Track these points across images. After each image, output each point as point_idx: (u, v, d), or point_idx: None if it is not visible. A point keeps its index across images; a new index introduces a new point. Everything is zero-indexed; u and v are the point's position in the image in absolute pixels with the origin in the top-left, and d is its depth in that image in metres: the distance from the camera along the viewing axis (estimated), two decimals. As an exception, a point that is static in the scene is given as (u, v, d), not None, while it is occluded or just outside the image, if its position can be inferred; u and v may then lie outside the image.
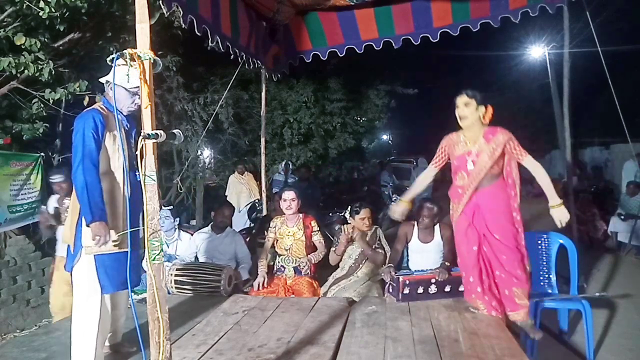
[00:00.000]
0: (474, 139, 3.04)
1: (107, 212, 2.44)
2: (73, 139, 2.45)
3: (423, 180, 3.40)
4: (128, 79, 2.44)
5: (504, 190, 3.06)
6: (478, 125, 3.03)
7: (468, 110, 2.99)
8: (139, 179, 2.51)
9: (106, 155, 2.49)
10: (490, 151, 2.97)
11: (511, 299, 2.98)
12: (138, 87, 2.43)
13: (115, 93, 2.49)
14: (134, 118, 2.70)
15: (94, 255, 2.45)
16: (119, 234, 2.46)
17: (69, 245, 2.56)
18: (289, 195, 4.08)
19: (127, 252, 2.46)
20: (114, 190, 2.50)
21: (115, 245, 2.45)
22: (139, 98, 2.52)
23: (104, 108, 2.57)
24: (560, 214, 3.00)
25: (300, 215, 4.11)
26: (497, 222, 3.01)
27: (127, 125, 2.60)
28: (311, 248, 4.05)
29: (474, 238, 3.05)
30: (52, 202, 4.10)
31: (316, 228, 4.10)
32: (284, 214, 4.09)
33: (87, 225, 2.35)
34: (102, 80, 2.59)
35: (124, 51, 1.90)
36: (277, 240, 4.08)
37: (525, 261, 3.06)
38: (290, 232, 4.03)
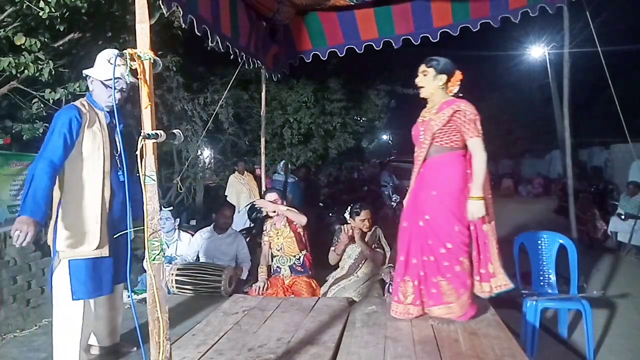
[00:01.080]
0: (429, 108, 2.92)
1: (76, 214, 2.38)
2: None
3: None
4: (104, 72, 2.40)
5: (455, 165, 2.80)
6: (439, 94, 2.87)
7: (425, 79, 2.86)
8: (122, 180, 2.45)
9: (83, 153, 2.42)
10: (437, 120, 2.80)
11: (437, 289, 2.83)
12: (114, 79, 2.39)
13: (94, 87, 2.47)
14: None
15: (68, 259, 2.39)
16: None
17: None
18: (271, 196, 4.11)
19: (105, 258, 2.43)
20: (92, 190, 2.41)
21: (94, 250, 2.39)
22: (117, 92, 2.48)
23: (86, 104, 2.49)
24: (473, 209, 2.74)
25: (282, 215, 4.09)
26: (429, 200, 2.82)
27: (114, 122, 2.50)
28: (303, 244, 4.04)
29: (412, 213, 2.89)
30: None
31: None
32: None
33: (18, 216, 2.27)
34: (86, 72, 2.56)
35: (124, 51, 1.89)
36: (271, 242, 4.08)
37: (466, 253, 2.79)
38: (279, 232, 4.02)
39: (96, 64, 2.52)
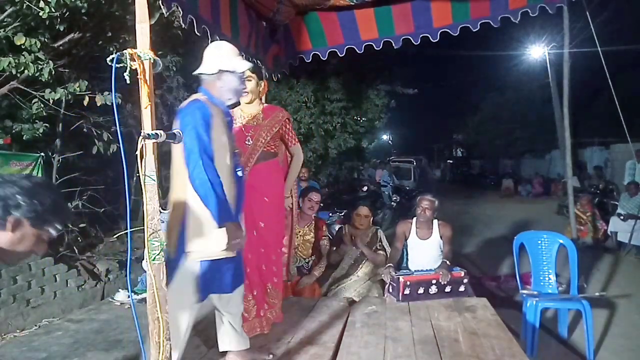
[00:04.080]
0: (253, 114, 2.92)
1: (206, 213, 2.19)
2: (182, 132, 2.19)
3: None
4: (241, 64, 2.33)
5: (279, 170, 2.98)
6: (258, 101, 2.93)
7: (251, 84, 2.82)
8: (241, 176, 2.40)
9: (215, 151, 2.25)
10: (268, 127, 2.87)
11: (266, 296, 2.85)
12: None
13: (226, 81, 2.33)
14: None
15: (200, 261, 2.23)
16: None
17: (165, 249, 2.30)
18: (315, 197, 4.09)
19: (230, 257, 2.28)
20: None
21: (223, 250, 2.23)
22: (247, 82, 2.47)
23: (207, 99, 2.33)
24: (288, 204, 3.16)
25: (312, 216, 4.10)
26: (262, 206, 2.84)
27: (229, 119, 2.43)
28: (317, 250, 4.02)
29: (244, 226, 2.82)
30: None
31: (326, 233, 4.10)
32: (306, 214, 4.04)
33: (219, 227, 2.12)
34: (205, 70, 2.35)
35: (124, 51, 1.89)
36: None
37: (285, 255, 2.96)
38: (299, 231, 3.96)
39: (223, 56, 2.37)
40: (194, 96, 2.37)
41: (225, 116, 2.37)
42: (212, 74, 2.33)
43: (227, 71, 2.31)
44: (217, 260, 2.26)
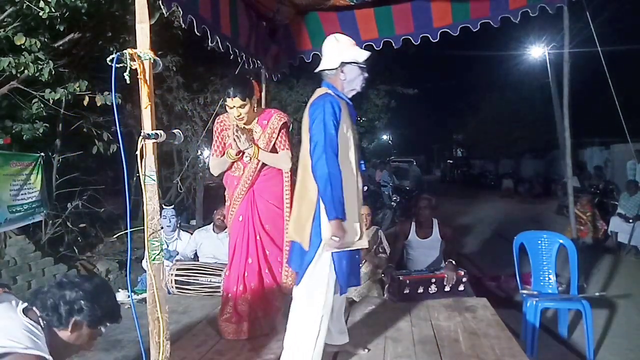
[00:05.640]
0: (250, 129, 2.90)
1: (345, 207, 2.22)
2: (311, 126, 2.26)
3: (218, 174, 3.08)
4: (362, 53, 2.36)
5: (278, 173, 2.90)
6: (252, 115, 2.86)
7: (244, 110, 2.76)
8: (364, 169, 2.45)
9: (340, 143, 2.27)
10: (266, 139, 2.83)
11: (263, 301, 2.85)
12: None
13: (348, 72, 2.38)
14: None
15: (333, 253, 2.23)
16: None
17: (296, 243, 2.34)
18: None
19: (358, 250, 2.34)
20: (349, 182, 2.29)
21: (357, 241, 2.26)
22: (362, 75, 2.44)
23: (334, 94, 2.35)
24: None
25: None
26: (268, 210, 2.87)
27: (353, 111, 2.43)
28: None
29: (246, 231, 2.86)
30: None
31: None
32: None
33: (329, 221, 2.14)
34: (327, 65, 2.39)
35: (124, 51, 1.89)
36: None
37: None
38: None
39: (342, 49, 2.41)
40: (321, 90, 2.41)
41: (350, 109, 2.39)
42: (335, 68, 2.37)
43: (349, 63, 2.37)
44: (352, 252, 2.29)
